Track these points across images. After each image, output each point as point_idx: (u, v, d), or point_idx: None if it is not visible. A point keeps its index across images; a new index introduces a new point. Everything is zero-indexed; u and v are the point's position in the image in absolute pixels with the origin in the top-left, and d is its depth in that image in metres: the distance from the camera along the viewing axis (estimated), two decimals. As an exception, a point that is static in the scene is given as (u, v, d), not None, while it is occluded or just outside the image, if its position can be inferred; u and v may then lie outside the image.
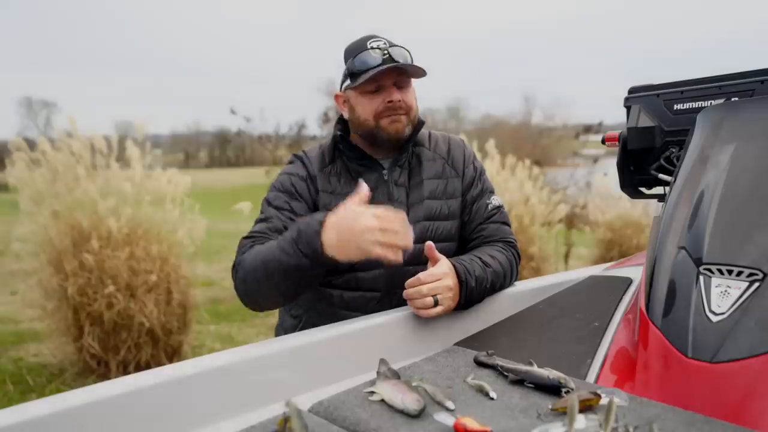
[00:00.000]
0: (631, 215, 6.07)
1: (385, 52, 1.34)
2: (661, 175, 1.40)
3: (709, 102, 1.31)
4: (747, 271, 0.93)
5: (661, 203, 1.35)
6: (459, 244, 1.46)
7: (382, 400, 0.90)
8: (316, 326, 1.12)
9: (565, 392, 0.89)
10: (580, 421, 0.76)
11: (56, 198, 3.50)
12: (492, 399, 0.90)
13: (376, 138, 1.38)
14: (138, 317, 3.47)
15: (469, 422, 0.78)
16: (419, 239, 1.37)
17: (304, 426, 0.79)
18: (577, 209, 7.48)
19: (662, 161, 1.39)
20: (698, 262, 0.98)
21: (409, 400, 0.85)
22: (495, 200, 1.48)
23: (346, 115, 1.45)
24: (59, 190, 3.51)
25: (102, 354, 3.49)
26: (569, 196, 7.88)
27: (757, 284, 0.91)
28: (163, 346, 3.63)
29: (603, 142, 1.59)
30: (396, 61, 1.33)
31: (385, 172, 1.42)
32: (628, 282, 1.39)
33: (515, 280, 1.42)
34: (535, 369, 0.95)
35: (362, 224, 1.06)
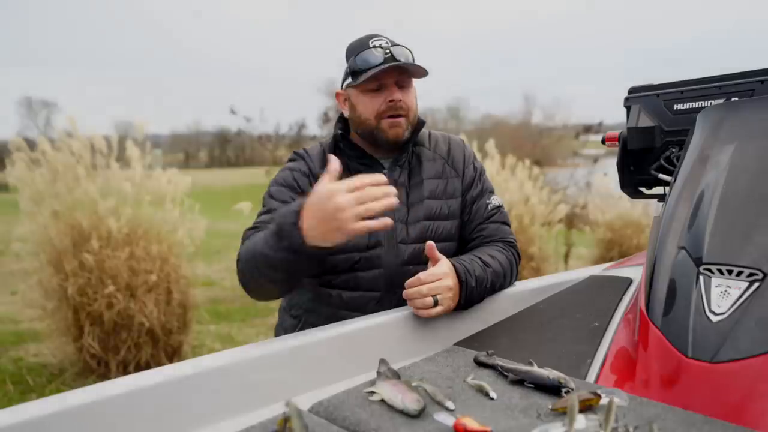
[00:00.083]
0: (631, 215, 6.07)
1: (387, 51, 1.34)
2: (661, 175, 1.40)
3: (709, 102, 1.31)
4: (747, 271, 0.93)
5: (661, 203, 1.35)
6: (459, 244, 1.46)
7: (382, 400, 0.90)
8: (316, 326, 1.12)
9: (565, 392, 0.89)
10: (580, 421, 0.76)
11: (56, 198, 3.51)
12: (492, 399, 0.90)
13: (375, 138, 1.39)
14: (138, 317, 3.47)
15: (469, 422, 0.78)
16: (419, 239, 1.38)
17: (304, 426, 0.79)
18: (577, 209, 7.48)
19: (662, 161, 1.39)
20: (698, 262, 0.98)
21: (409, 400, 0.85)
22: (495, 200, 1.48)
23: (346, 114, 1.45)
24: (59, 190, 3.51)
25: (102, 354, 3.49)
26: (569, 196, 7.88)
27: (757, 284, 0.91)
28: (163, 346, 3.63)
29: (603, 142, 1.59)
30: (398, 60, 1.33)
31: (385, 171, 1.42)
32: (628, 282, 1.39)
33: (515, 280, 1.42)
34: (535, 369, 0.95)
35: (334, 204, 1.00)
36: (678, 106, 1.37)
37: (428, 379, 0.99)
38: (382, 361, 1.01)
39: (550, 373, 0.93)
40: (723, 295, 0.92)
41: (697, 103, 1.34)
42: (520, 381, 0.96)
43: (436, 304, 1.16)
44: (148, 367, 3.49)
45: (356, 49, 1.38)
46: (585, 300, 1.35)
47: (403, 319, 1.18)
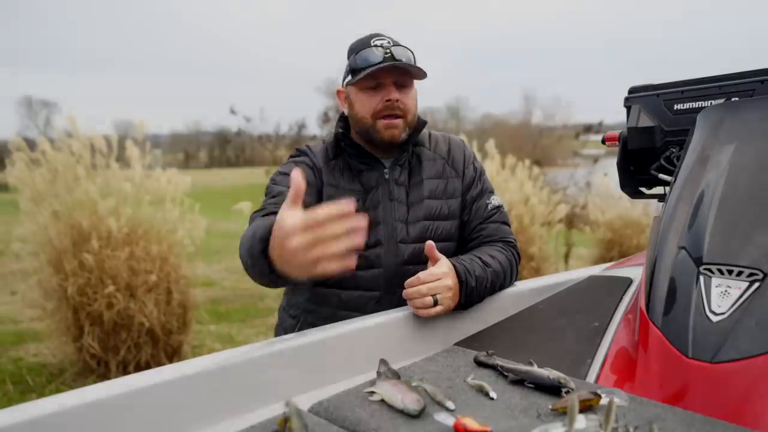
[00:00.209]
0: (631, 215, 6.08)
1: (388, 50, 1.34)
2: (661, 175, 1.40)
3: (709, 102, 1.31)
4: (747, 271, 0.93)
5: (661, 203, 1.35)
6: (458, 244, 1.46)
7: (382, 400, 0.90)
8: (315, 326, 1.12)
9: (565, 392, 0.89)
10: (580, 421, 0.76)
11: (56, 198, 3.51)
12: (492, 399, 0.90)
13: (371, 138, 1.39)
14: (138, 317, 3.47)
15: (469, 422, 0.78)
16: (419, 239, 1.38)
17: (304, 426, 0.79)
18: (577, 209, 7.49)
19: (662, 161, 1.39)
20: (698, 262, 0.98)
21: (409, 400, 0.85)
22: (495, 200, 1.49)
23: (346, 112, 1.45)
24: (59, 190, 3.52)
25: (102, 354, 3.49)
26: (569, 196, 7.89)
27: (757, 284, 0.91)
28: (163, 346, 3.63)
29: (603, 142, 1.59)
30: (397, 60, 1.33)
31: (386, 171, 1.42)
32: (628, 282, 1.39)
33: (515, 280, 1.42)
34: (535, 369, 0.95)
35: (287, 247, 0.88)
36: (678, 106, 1.37)
37: (428, 379, 0.99)
38: (382, 361, 1.01)
39: (550, 373, 0.92)
40: (723, 295, 0.92)
41: (697, 103, 1.34)
42: (520, 381, 0.96)
43: (435, 303, 1.16)
44: (148, 367, 3.49)
45: (357, 47, 1.38)
46: (585, 300, 1.35)
47: (403, 319, 1.18)
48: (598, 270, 1.59)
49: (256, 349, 0.98)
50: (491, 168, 5.25)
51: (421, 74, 1.38)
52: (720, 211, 1.01)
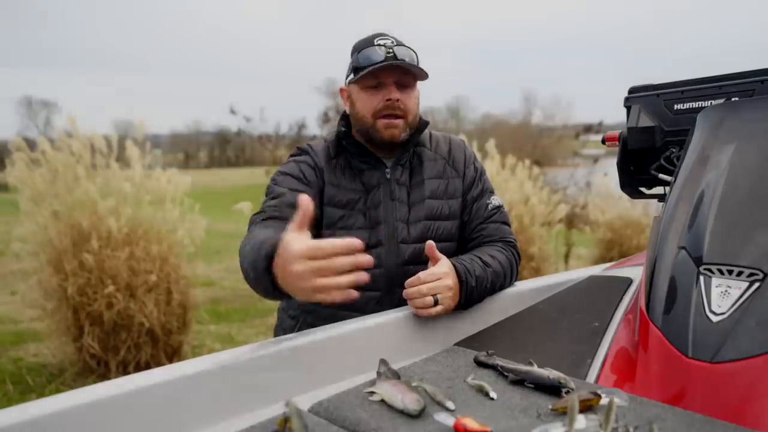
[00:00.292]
0: (631, 215, 6.08)
1: (390, 50, 1.34)
2: (661, 175, 1.40)
3: (709, 102, 1.31)
4: (747, 271, 0.93)
5: (661, 203, 1.35)
6: (459, 244, 1.46)
7: (382, 400, 0.90)
8: (315, 326, 1.12)
9: (565, 392, 0.89)
10: (580, 421, 0.76)
11: (56, 198, 3.51)
12: (492, 399, 0.90)
13: (371, 137, 1.39)
14: (138, 317, 3.47)
15: (469, 422, 0.78)
16: (420, 239, 1.38)
17: (304, 426, 0.79)
18: (577, 209, 7.49)
19: (662, 161, 1.39)
20: (698, 262, 0.98)
21: (409, 400, 0.85)
22: (495, 200, 1.49)
23: (348, 110, 1.45)
24: (59, 190, 3.51)
25: (102, 354, 3.49)
26: (569, 196, 7.89)
27: (757, 284, 0.91)
28: (163, 346, 3.63)
29: (603, 142, 1.59)
30: (399, 60, 1.33)
31: (387, 170, 1.42)
32: (628, 282, 1.39)
33: (515, 280, 1.42)
34: (535, 369, 0.95)
35: (294, 271, 0.91)
36: (678, 106, 1.37)
37: (428, 379, 0.99)
38: (382, 361, 1.01)
39: (550, 373, 0.92)
40: (723, 295, 0.92)
41: (697, 103, 1.34)
42: (520, 381, 0.96)
43: (436, 303, 1.16)
44: (148, 367, 3.49)
45: (360, 46, 1.38)
46: (585, 300, 1.35)
47: (403, 319, 1.18)
48: (598, 270, 1.59)
49: (256, 349, 0.98)
50: (491, 168, 5.25)
51: (423, 75, 1.38)
52: (720, 211, 1.01)
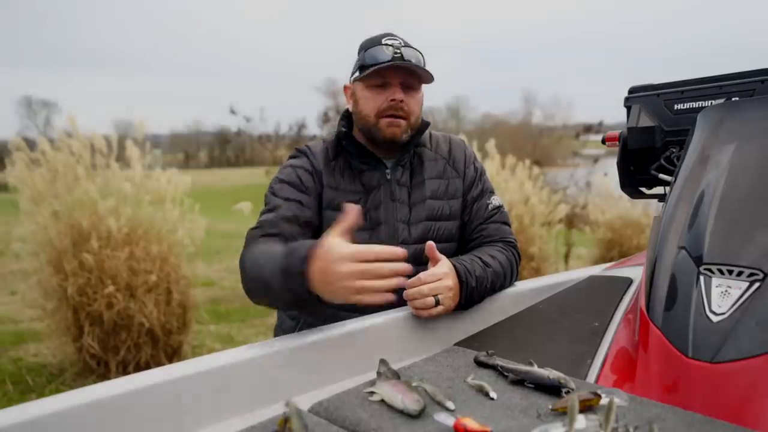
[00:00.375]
0: (631, 215, 6.07)
1: (398, 50, 1.34)
2: (661, 175, 1.40)
3: (709, 102, 1.31)
4: (747, 271, 0.93)
5: (661, 203, 1.35)
6: (459, 245, 1.46)
7: (382, 400, 0.90)
8: (315, 327, 1.12)
9: (565, 392, 0.89)
10: (580, 421, 0.76)
11: (56, 198, 3.50)
12: (492, 399, 0.90)
13: (373, 136, 1.38)
14: (138, 317, 3.47)
15: (469, 422, 0.78)
16: (421, 239, 1.38)
17: (304, 426, 0.79)
18: (577, 209, 7.49)
19: (662, 161, 1.39)
20: (698, 261, 0.98)
21: (409, 400, 0.85)
22: (495, 200, 1.49)
23: (351, 108, 1.45)
24: (59, 190, 3.51)
25: (102, 354, 3.49)
26: (569, 196, 7.89)
27: (757, 284, 0.91)
28: (163, 346, 3.63)
29: (603, 142, 1.59)
30: (406, 61, 1.33)
31: (387, 171, 1.42)
32: (628, 282, 1.39)
33: (515, 280, 1.42)
34: (535, 369, 0.95)
35: (336, 271, 0.96)
36: (678, 106, 1.37)
37: (428, 379, 0.99)
38: (382, 361, 1.01)
39: (550, 373, 0.92)
40: (723, 295, 0.92)
41: (697, 103, 1.34)
42: (520, 381, 0.96)
43: (437, 304, 1.16)
44: (148, 367, 3.49)
45: (368, 44, 1.38)
46: (585, 300, 1.35)
47: (403, 319, 1.18)
48: (598, 270, 1.59)
49: (256, 349, 0.98)
50: (491, 168, 5.24)
51: (429, 77, 1.38)
52: (720, 211, 1.01)
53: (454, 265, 1.22)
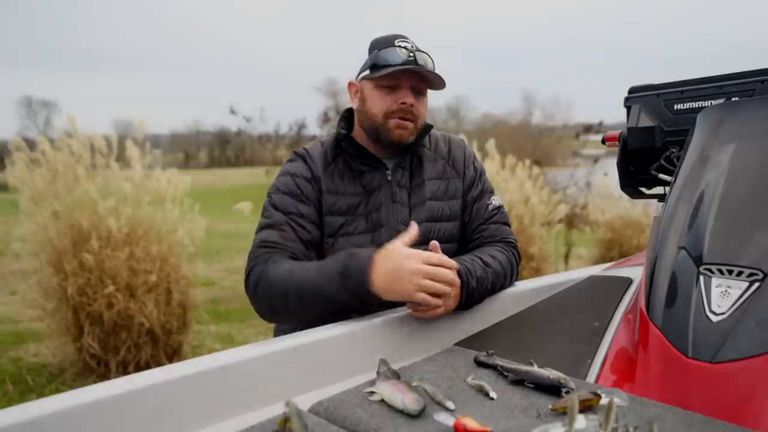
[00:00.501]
0: (631, 215, 6.08)
1: (411, 54, 1.33)
2: (661, 175, 1.40)
3: (709, 102, 1.31)
4: (747, 271, 0.93)
5: (661, 203, 1.35)
6: (459, 245, 1.46)
7: (382, 400, 0.90)
8: (315, 327, 1.12)
9: (565, 392, 0.89)
10: (580, 421, 0.76)
11: (56, 198, 3.50)
12: (492, 399, 0.90)
13: (379, 136, 1.37)
14: (138, 317, 3.47)
15: (469, 422, 0.78)
16: (421, 241, 1.37)
17: (304, 426, 0.79)
18: (577, 209, 7.49)
19: (662, 161, 1.39)
20: (698, 261, 0.98)
21: (409, 400, 0.85)
22: (495, 200, 1.48)
23: (355, 106, 1.43)
24: (59, 190, 3.51)
25: (102, 354, 3.49)
26: (569, 196, 7.89)
27: (757, 284, 0.91)
28: (163, 346, 3.63)
29: (603, 142, 1.59)
30: (420, 65, 1.33)
31: (388, 172, 1.41)
32: (628, 282, 1.39)
33: (515, 281, 1.42)
34: (535, 369, 0.95)
35: (409, 267, 1.08)
36: (678, 106, 1.37)
37: (428, 379, 0.99)
38: (382, 361, 1.01)
39: (550, 373, 0.93)
40: (723, 295, 0.92)
41: (697, 103, 1.34)
42: (520, 381, 0.96)
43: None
44: (148, 367, 3.49)
45: (381, 44, 1.37)
46: (585, 300, 1.35)
47: (403, 319, 1.18)
48: (598, 270, 1.59)
49: (256, 349, 0.98)
50: (491, 168, 5.24)
51: (440, 83, 1.37)
52: (720, 211, 1.01)
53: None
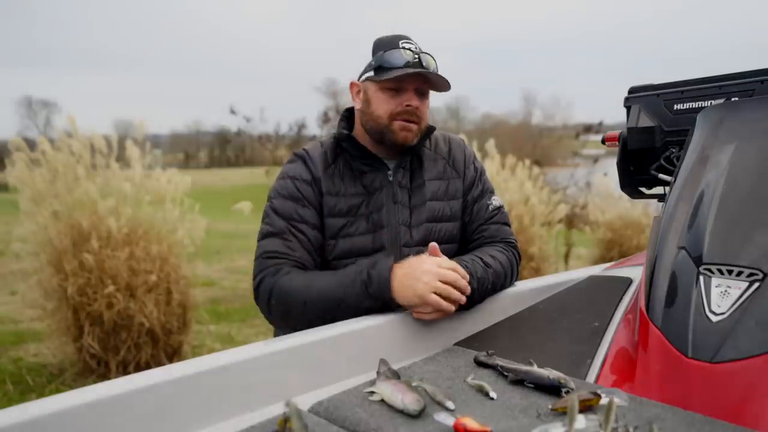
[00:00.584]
0: (631, 215, 6.08)
1: (416, 55, 1.33)
2: (661, 175, 1.40)
3: (709, 102, 1.31)
4: (747, 271, 0.93)
5: (661, 203, 1.35)
6: (460, 245, 1.46)
7: (382, 400, 0.90)
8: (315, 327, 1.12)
9: (565, 392, 0.89)
10: (580, 421, 0.76)
11: (56, 198, 3.50)
12: (492, 399, 0.90)
13: (383, 137, 1.36)
14: (138, 317, 3.47)
15: (469, 422, 0.78)
16: (422, 241, 1.37)
17: (304, 426, 0.79)
18: (577, 209, 7.49)
19: (662, 161, 1.39)
20: (698, 261, 0.98)
21: (409, 400, 0.85)
22: (495, 201, 1.48)
23: (357, 106, 1.42)
24: (59, 190, 3.51)
25: (102, 354, 3.49)
26: (569, 196, 7.88)
27: (757, 284, 0.91)
28: (163, 346, 3.63)
29: (603, 142, 1.59)
30: (425, 68, 1.33)
31: (390, 172, 1.40)
32: (628, 282, 1.39)
33: (515, 281, 1.42)
34: (535, 369, 0.95)
35: (423, 267, 1.15)
36: (678, 106, 1.37)
37: (428, 379, 0.99)
38: (382, 361, 1.01)
39: (550, 373, 0.93)
40: (723, 295, 0.92)
41: (697, 103, 1.34)
42: (520, 381, 0.96)
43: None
44: (148, 367, 3.49)
45: (386, 45, 1.36)
46: (585, 300, 1.35)
47: (403, 319, 1.18)
48: (598, 270, 1.59)
49: (256, 349, 0.98)
50: (491, 168, 5.24)
51: (446, 86, 1.37)
52: (720, 211, 1.01)
53: None
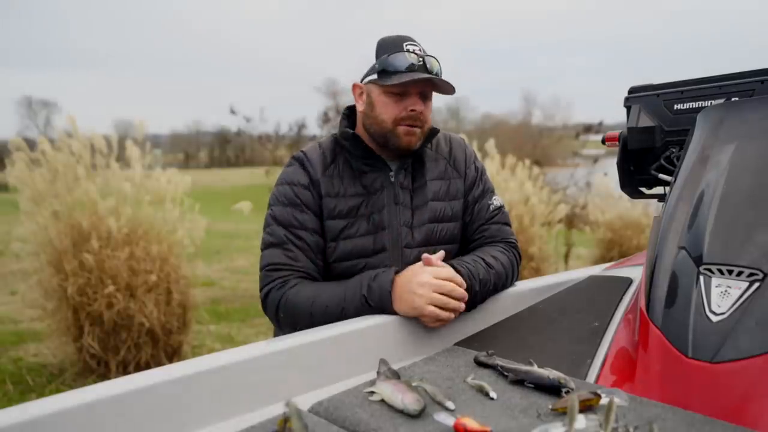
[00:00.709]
0: (631, 215, 6.08)
1: (421, 59, 1.32)
2: (661, 175, 1.40)
3: (709, 102, 1.31)
4: (747, 271, 0.93)
5: (661, 203, 1.35)
6: (460, 245, 1.46)
7: (382, 400, 0.90)
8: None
9: (565, 392, 0.89)
10: (580, 421, 0.76)
11: (56, 198, 3.50)
12: (492, 399, 0.90)
13: (387, 141, 1.35)
14: (138, 317, 3.47)
15: (469, 422, 0.78)
16: (424, 242, 1.37)
17: (304, 426, 0.79)
18: (577, 209, 7.49)
19: (662, 161, 1.39)
20: (698, 261, 0.98)
21: (409, 400, 0.85)
22: (496, 201, 1.48)
23: (360, 108, 1.40)
24: (59, 190, 3.51)
25: (102, 354, 3.49)
26: (569, 196, 7.88)
27: (757, 284, 0.91)
28: (163, 346, 3.63)
29: (603, 142, 1.59)
30: (429, 71, 1.32)
31: (392, 173, 1.39)
32: (628, 282, 1.39)
33: (516, 281, 1.42)
34: (535, 369, 0.95)
35: (418, 280, 1.15)
36: (678, 106, 1.37)
37: (428, 379, 0.99)
38: (382, 361, 1.01)
39: (550, 373, 0.93)
40: (723, 295, 0.92)
41: (697, 103, 1.34)
42: (520, 381, 0.96)
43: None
44: (148, 367, 3.49)
45: (390, 48, 1.34)
46: (585, 300, 1.35)
47: (403, 319, 1.18)
48: (598, 270, 1.59)
49: (256, 349, 0.98)
50: (491, 168, 5.24)
51: (451, 90, 1.36)
52: (720, 211, 1.01)
53: (458, 269, 1.21)
